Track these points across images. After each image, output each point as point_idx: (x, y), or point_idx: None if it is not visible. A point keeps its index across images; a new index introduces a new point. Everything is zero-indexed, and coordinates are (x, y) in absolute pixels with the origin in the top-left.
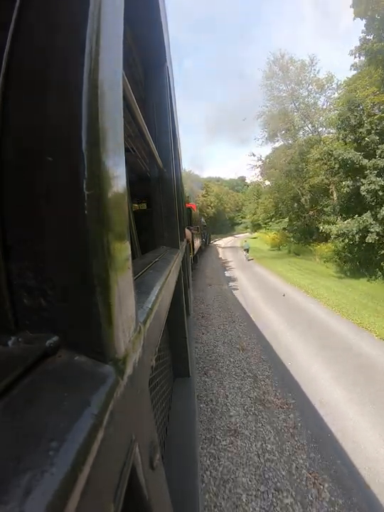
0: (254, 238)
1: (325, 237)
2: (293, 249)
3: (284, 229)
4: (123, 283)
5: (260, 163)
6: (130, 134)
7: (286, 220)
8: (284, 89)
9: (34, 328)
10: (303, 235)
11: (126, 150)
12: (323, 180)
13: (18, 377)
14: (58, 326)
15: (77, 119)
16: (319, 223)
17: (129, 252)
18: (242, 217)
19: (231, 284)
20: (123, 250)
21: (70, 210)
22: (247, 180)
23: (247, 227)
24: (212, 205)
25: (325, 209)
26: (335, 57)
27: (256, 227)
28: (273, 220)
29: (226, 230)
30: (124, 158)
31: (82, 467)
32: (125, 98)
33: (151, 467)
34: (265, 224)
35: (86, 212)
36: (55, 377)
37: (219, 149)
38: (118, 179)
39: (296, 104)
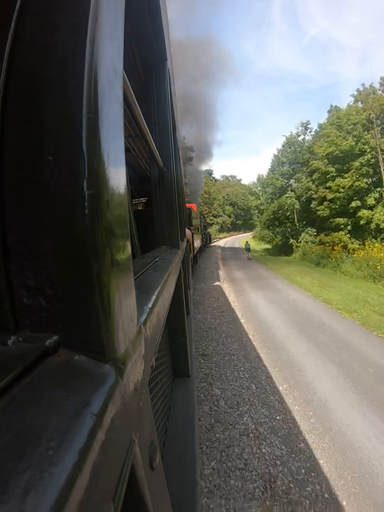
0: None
1: None
2: None
3: None
4: (123, 283)
5: None
6: (130, 133)
7: None
8: None
9: (34, 327)
10: None
11: (126, 150)
12: None
13: (17, 377)
14: (58, 325)
15: (78, 119)
16: None
17: (129, 252)
18: (213, 217)
19: None
20: (123, 250)
21: (71, 209)
22: (216, 175)
23: (241, 227)
24: None
25: None
26: None
27: (266, 228)
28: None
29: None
30: (124, 158)
31: (82, 467)
32: (125, 98)
33: (150, 467)
34: (340, 220)
35: (86, 212)
36: (55, 376)
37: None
38: (118, 179)
39: None
